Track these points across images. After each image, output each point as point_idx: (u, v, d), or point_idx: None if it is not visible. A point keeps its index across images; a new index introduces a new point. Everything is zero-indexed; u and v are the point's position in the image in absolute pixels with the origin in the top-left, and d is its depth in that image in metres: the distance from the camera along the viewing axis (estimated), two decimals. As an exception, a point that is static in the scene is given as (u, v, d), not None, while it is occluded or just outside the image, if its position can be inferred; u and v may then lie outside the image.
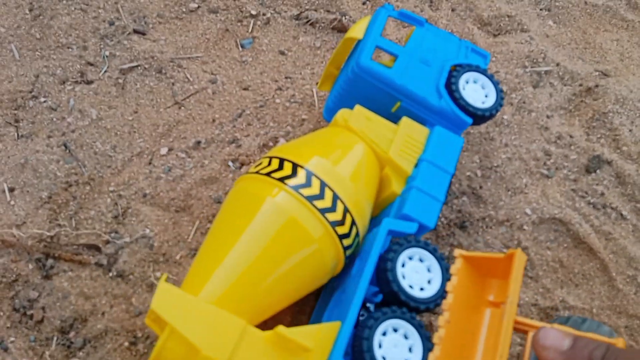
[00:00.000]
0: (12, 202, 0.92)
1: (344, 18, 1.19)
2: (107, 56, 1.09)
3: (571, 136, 1.07)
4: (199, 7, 1.18)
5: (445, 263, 0.71)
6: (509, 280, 0.67)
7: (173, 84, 1.08)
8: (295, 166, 0.74)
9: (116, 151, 0.99)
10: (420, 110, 0.85)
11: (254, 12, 1.19)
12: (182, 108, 1.05)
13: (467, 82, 0.86)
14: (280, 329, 0.63)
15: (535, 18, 1.27)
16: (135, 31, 1.12)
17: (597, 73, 1.18)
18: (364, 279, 0.67)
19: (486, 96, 0.86)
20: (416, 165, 0.80)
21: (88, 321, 0.84)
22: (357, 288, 0.67)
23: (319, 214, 0.71)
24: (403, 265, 0.69)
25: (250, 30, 1.18)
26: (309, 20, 1.20)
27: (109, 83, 1.06)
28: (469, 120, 0.83)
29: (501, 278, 0.71)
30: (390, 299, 0.68)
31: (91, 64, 1.07)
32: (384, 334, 0.65)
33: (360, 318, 0.68)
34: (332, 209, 0.72)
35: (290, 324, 0.85)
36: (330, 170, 0.75)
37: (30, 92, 1.03)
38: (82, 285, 0.86)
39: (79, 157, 0.97)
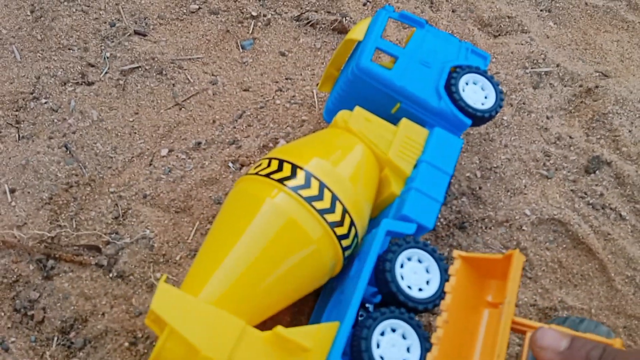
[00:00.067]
0: (13, 203, 0.92)
1: (344, 19, 1.20)
2: (108, 57, 1.09)
3: (571, 137, 1.07)
4: (199, 8, 1.18)
5: (443, 264, 0.71)
6: (507, 281, 0.68)
7: (174, 85, 1.08)
8: (294, 167, 0.75)
9: (117, 152, 0.99)
10: (420, 111, 0.85)
11: (254, 13, 1.19)
12: (183, 109, 1.05)
13: (466, 84, 0.86)
14: (279, 329, 0.63)
15: (535, 19, 1.27)
16: (136, 32, 1.13)
17: (597, 74, 1.18)
18: (362, 280, 0.68)
19: (486, 97, 0.86)
20: (415, 167, 0.80)
21: (88, 321, 0.84)
22: (355, 288, 0.67)
23: (318, 215, 0.72)
24: (402, 266, 0.70)
25: (250, 32, 1.18)
26: (310, 21, 1.21)
27: (109, 84, 1.06)
28: (469, 121, 0.83)
29: (499, 279, 0.71)
30: (389, 299, 0.68)
31: (92, 65, 1.08)
32: (382, 334, 0.65)
33: (359, 318, 0.68)
34: (331, 210, 0.73)
35: (289, 324, 0.85)
36: (329, 171, 0.75)
37: (32, 93, 1.03)
38: (82, 285, 0.86)
39: (79, 158, 0.97)
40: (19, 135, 0.99)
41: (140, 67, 1.09)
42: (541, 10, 1.29)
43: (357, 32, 0.90)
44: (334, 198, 0.73)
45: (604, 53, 1.23)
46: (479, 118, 0.84)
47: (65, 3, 1.13)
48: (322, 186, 0.73)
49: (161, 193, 0.95)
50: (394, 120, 0.85)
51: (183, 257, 0.90)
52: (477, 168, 1.02)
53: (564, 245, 0.96)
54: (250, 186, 0.76)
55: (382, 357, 0.63)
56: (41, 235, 0.89)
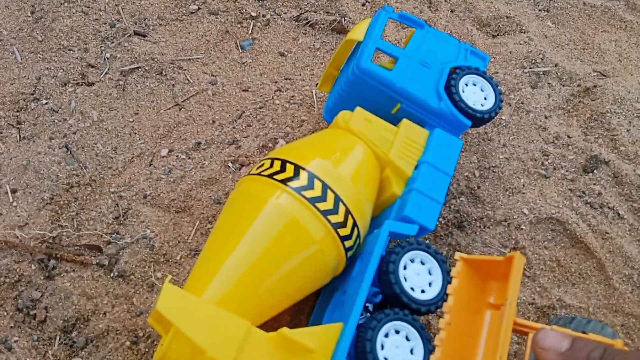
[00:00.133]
0: (15, 204, 0.93)
1: (343, 19, 1.20)
2: (108, 58, 1.10)
3: (569, 136, 1.08)
4: (199, 8, 1.19)
5: (446, 266, 0.71)
6: (508, 283, 0.68)
7: (173, 85, 1.08)
8: (297, 168, 0.75)
9: (117, 152, 1.00)
10: (420, 112, 0.85)
11: (253, 14, 1.20)
12: (183, 109, 1.06)
13: (466, 85, 0.87)
14: (285, 330, 0.64)
15: (534, 19, 1.28)
16: (136, 33, 1.13)
17: (595, 73, 1.18)
18: (366, 281, 0.68)
19: (485, 98, 0.87)
20: (416, 167, 0.80)
21: (90, 321, 0.85)
22: (359, 289, 0.68)
23: (322, 215, 0.72)
24: (405, 268, 0.70)
25: (250, 32, 1.19)
26: (309, 21, 1.21)
27: (109, 85, 1.07)
28: (468, 122, 0.84)
29: (501, 280, 0.72)
30: (392, 300, 0.69)
31: (92, 66, 1.08)
32: (387, 335, 0.65)
33: (360, 318, 0.69)
34: (335, 211, 0.73)
35: (290, 323, 0.86)
36: (332, 172, 0.75)
37: (32, 94, 1.04)
38: (84, 285, 0.87)
39: (80, 158, 0.98)
40: (20, 136, 0.99)
41: (140, 67, 1.09)
42: (539, 10, 1.30)
43: (357, 33, 0.90)
44: (337, 199, 0.73)
45: (602, 53, 1.24)
46: (478, 119, 0.85)
47: (66, 4, 1.13)
48: (325, 187, 0.73)
49: (161, 193, 0.96)
50: (394, 120, 0.85)
51: (183, 256, 0.90)
52: (476, 167, 1.03)
53: (562, 244, 0.97)
54: (252, 186, 0.76)
55: (386, 359, 0.64)
56: (43, 235, 0.90)
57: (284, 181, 0.74)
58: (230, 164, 0.99)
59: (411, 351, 0.65)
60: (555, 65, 1.18)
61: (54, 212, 0.92)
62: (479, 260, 0.72)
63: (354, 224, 0.75)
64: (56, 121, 1.01)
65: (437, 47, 0.91)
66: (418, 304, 0.68)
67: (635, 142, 1.07)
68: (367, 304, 0.73)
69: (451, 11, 1.26)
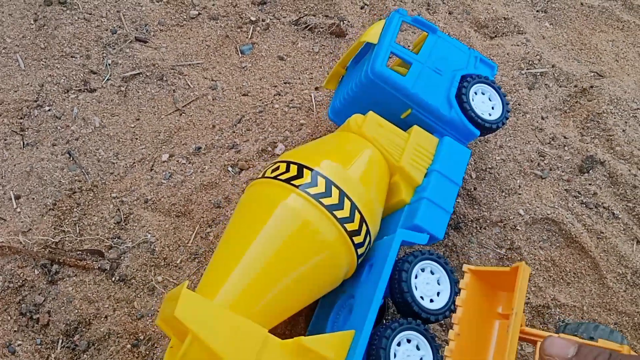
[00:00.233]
0: (18, 209, 0.94)
1: (342, 23, 1.21)
2: (109, 64, 1.11)
3: (565, 137, 1.09)
4: (199, 14, 1.20)
5: (454, 277, 0.73)
6: (514, 292, 0.69)
7: (174, 90, 1.10)
8: (314, 173, 0.74)
9: (118, 158, 1.01)
10: (431, 119, 0.86)
11: (253, 18, 1.21)
12: (183, 114, 1.08)
13: (475, 93, 0.88)
14: (302, 339, 0.64)
15: (531, 20, 1.29)
16: (137, 39, 1.15)
17: (592, 74, 1.19)
18: (379, 290, 0.69)
19: (493, 108, 0.88)
20: (426, 175, 0.81)
21: (92, 324, 0.86)
22: (372, 298, 0.69)
23: (337, 222, 0.72)
24: (416, 277, 0.71)
25: (249, 36, 1.20)
26: (308, 25, 1.22)
27: (111, 91, 1.09)
28: (477, 132, 0.85)
29: (509, 290, 0.72)
30: (402, 308, 0.70)
31: (94, 73, 1.10)
32: (399, 344, 0.67)
33: None
34: (351, 219, 0.73)
35: (287, 323, 0.87)
36: (347, 177, 0.75)
37: (35, 101, 1.06)
38: (86, 289, 0.89)
39: (82, 164, 0.99)
40: (23, 143, 1.01)
41: (141, 73, 1.11)
42: (537, 11, 1.31)
43: (372, 35, 0.90)
44: (353, 206, 0.74)
45: (599, 53, 1.24)
46: (486, 129, 0.86)
47: (68, 11, 1.15)
48: (342, 195, 0.73)
49: (162, 198, 0.97)
50: (402, 124, 0.86)
51: (183, 260, 0.92)
52: (472, 169, 1.04)
53: (558, 244, 0.98)
54: (264, 189, 0.76)
55: None
56: (45, 240, 0.92)
57: (301, 186, 0.73)
58: (230, 168, 1.01)
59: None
60: (553, 66, 1.19)
61: (57, 218, 0.94)
62: (487, 272, 0.74)
63: (367, 231, 0.76)
64: (59, 127, 1.03)
65: (448, 54, 0.91)
66: (427, 313, 0.69)
67: (630, 142, 1.08)
68: None
69: (449, 13, 1.27)
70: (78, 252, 0.91)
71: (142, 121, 1.06)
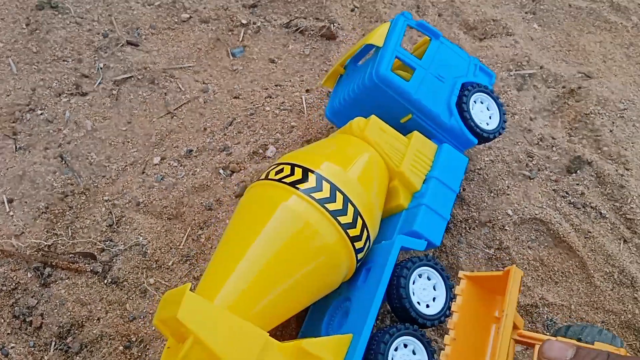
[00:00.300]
0: (11, 213, 0.95)
1: (332, 25, 1.22)
2: (101, 68, 1.12)
3: (553, 138, 1.10)
4: (190, 17, 1.21)
5: (449, 282, 0.74)
6: (505, 296, 0.70)
7: (165, 94, 1.11)
8: (319, 178, 0.75)
9: (110, 161, 1.02)
10: (431, 125, 0.87)
11: (244, 21, 1.22)
12: (175, 117, 1.08)
13: (474, 102, 0.89)
14: (303, 343, 0.65)
15: (520, 21, 1.30)
16: (129, 43, 1.16)
17: (580, 75, 1.20)
18: (378, 296, 0.70)
19: (490, 117, 0.89)
20: (425, 181, 0.82)
21: (84, 326, 0.87)
22: (371, 304, 0.69)
23: (340, 227, 0.73)
24: (413, 282, 0.72)
25: (241, 39, 1.21)
26: (298, 28, 1.23)
27: (103, 94, 1.09)
28: (475, 140, 0.86)
29: (504, 294, 0.73)
30: (400, 313, 0.71)
31: (86, 76, 1.11)
32: (396, 349, 0.68)
33: None
34: (353, 224, 0.74)
35: (280, 324, 0.88)
36: (350, 181, 0.76)
37: (28, 105, 1.06)
38: (78, 292, 0.89)
39: (74, 167, 1.00)
40: (16, 147, 1.02)
41: (132, 76, 1.12)
42: (526, 13, 1.32)
43: (377, 38, 0.90)
44: (356, 212, 0.74)
45: (586, 54, 1.25)
46: (483, 138, 0.87)
47: (60, 16, 1.16)
48: (346, 200, 0.74)
49: (154, 200, 0.98)
50: (400, 128, 0.87)
51: (175, 262, 0.93)
52: (461, 170, 1.05)
53: (546, 244, 0.99)
54: (264, 191, 0.76)
55: None
56: (38, 243, 0.92)
57: (305, 190, 0.73)
58: (221, 171, 1.02)
59: None
60: (541, 68, 1.20)
61: (49, 221, 0.95)
62: (482, 277, 0.75)
63: (368, 236, 0.76)
64: (51, 131, 1.04)
65: (450, 60, 0.92)
66: (424, 318, 0.70)
67: (618, 143, 1.09)
68: None
69: (439, 15, 1.28)
70: (70, 255, 0.92)
71: (133, 124, 1.07)
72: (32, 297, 0.88)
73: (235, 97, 1.12)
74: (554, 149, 1.09)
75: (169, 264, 0.93)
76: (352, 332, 0.69)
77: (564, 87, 1.18)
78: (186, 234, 0.96)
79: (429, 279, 0.74)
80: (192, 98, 1.11)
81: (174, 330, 0.65)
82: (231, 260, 0.70)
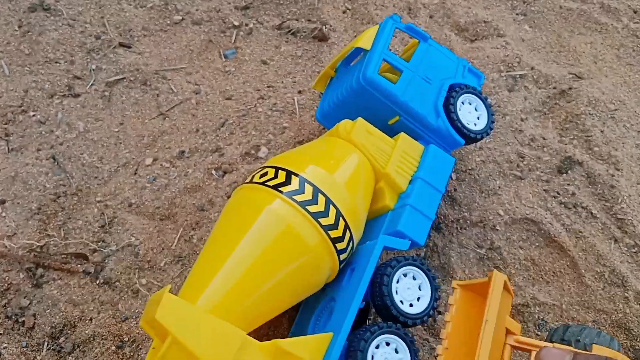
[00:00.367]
0: (4, 214, 0.95)
1: (324, 27, 1.23)
2: (93, 70, 1.12)
3: (544, 138, 1.11)
4: (183, 19, 1.22)
5: (435, 283, 0.74)
6: (486, 301, 0.70)
7: (158, 95, 1.11)
8: (302, 181, 0.75)
9: (103, 162, 1.02)
10: (418, 127, 0.88)
11: (236, 23, 1.22)
12: (167, 119, 1.09)
13: (462, 103, 0.90)
14: (279, 342, 0.65)
15: (511, 23, 1.31)
16: (121, 44, 1.16)
17: (570, 76, 1.21)
18: (358, 295, 0.70)
19: (478, 118, 0.90)
20: (410, 182, 0.83)
21: (77, 327, 0.87)
22: (351, 302, 0.70)
23: (322, 229, 0.74)
24: (397, 281, 0.73)
25: (233, 41, 1.21)
26: (291, 29, 1.24)
27: (95, 96, 1.09)
28: (462, 141, 0.87)
29: None
30: (382, 311, 0.71)
31: (78, 78, 1.11)
32: (377, 347, 0.68)
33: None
34: (335, 226, 0.75)
35: (270, 324, 0.88)
36: (333, 184, 0.76)
37: (20, 106, 1.06)
38: (70, 292, 0.90)
39: (67, 169, 1.00)
40: (8, 148, 1.02)
41: (125, 78, 1.12)
42: (517, 14, 1.33)
43: (365, 41, 0.91)
44: (338, 214, 0.75)
45: (577, 55, 1.26)
46: (470, 138, 0.88)
47: (52, 18, 1.16)
48: (328, 202, 0.75)
49: (146, 201, 0.98)
50: (388, 130, 0.87)
51: (167, 263, 0.93)
52: (453, 171, 1.05)
53: (537, 244, 0.99)
54: (249, 195, 0.77)
55: None
56: (30, 244, 0.93)
57: (288, 193, 0.74)
58: (213, 172, 1.02)
59: None
60: (532, 69, 1.21)
61: (42, 222, 0.95)
62: (473, 284, 0.75)
63: (350, 237, 0.77)
64: (43, 133, 1.04)
65: (438, 62, 0.93)
66: (405, 317, 0.70)
67: (608, 143, 1.10)
68: None
69: (430, 17, 1.29)
70: (63, 256, 0.92)
71: (126, 126, 1.07)
72: (24, 298, 0.88)
73: (227, 99, 1.13)
74: (545, 149, 1.09)
75: (161, 264, 0.93)
76: (334, 331, 0.69)
77: (554, 88, 1.18)
78: (178, 235, 0.96)
79: (414, 278, 0.74)
80: (184, 99, 1.11)
81: (157, 331, 0.66)
82: (215, 262, 0.71)
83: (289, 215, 0.73)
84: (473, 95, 0.90)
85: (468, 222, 1.00)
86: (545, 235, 1.00)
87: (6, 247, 0.92)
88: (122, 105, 1.09)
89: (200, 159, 1.04)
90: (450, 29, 1.27)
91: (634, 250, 0.99)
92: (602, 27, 1.31)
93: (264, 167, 0.80)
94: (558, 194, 1.04)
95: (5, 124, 1.05)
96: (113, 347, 0.86)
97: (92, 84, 1.11)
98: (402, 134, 0.87)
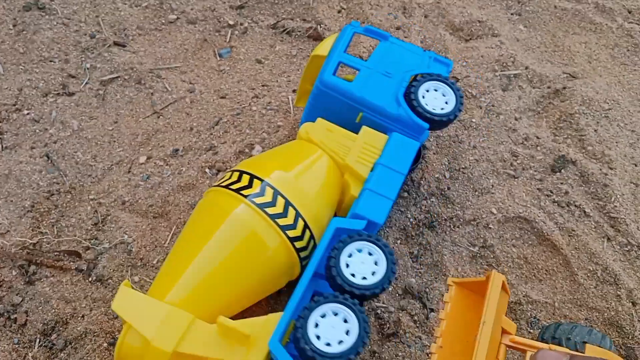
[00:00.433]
0: (-3, 212, 0.96)
1: (319, 27, 1.23)
2: (88, 68, 1.12)
3: (538, 137, 1.11)
4: (177, 18, 1.22)
5: (392, 257, 0.74)
6: (484, 302, 0.70)
7: (152, 94, 1.11)
8: (264, 184, 0.80)
9: (96, 160, 1.02)
10: (381, 119, 0.89)
11: (231, 22, 1.23)
12: (161, 117, 1.09)
13: (427, 91, 0.90)
14: (221, 318, 0.69)
15: (506, 22, 1.31)
16: (116, 43, 1.16)
17: (565, 75, 1.21)
18: (308, 271, 0.72)
19: (446, 102, 0.90)
20: (372, 169, 0.85)
21: (69, 324, 0.87)
22: (301, 278, 0.72)
23: (281, 230, 0.78)
24: (350, 256, 0.74)
25: (228, 40, 1.21)
26: (285, 29, 1.24)
27: (89, 94, 1.10)
28: (426, 125, 0.87)
29: None
30: (332, 284, 0.73)
31: (73, 76, 1.11)
32: (323, 316, 0.68)
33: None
34: (293, 226, 0.79)
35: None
36: (293, 186, 0.81)
37: (14, 105, 1.07)
38: (63, 289, 0.90)
39: (60, 167, 1.00)
40: (2, 146, 1.02)
41: (119, 77, 1.12)
42: (512, 14, 1.33)
43: (322, 49, 0.95)
44: (297, 215, 0.79)
45: (572, 55, 1.26)
46: (437, 122, 0.88)
47: (47, 17, 1.16)
48: (287, 204, 0.79)
49: (139, 199, 0.99)
50: (358, 128, 0.89)
51: (160, 260, 0.93)
52: (446, 169, 1.05)
53: (530, 242, 1.00)
54: (216, 198, 0.82)
55: (318, 336, 0.67)
56: (23, 242, 0.93)
57: (249, 196, 0.79)
58: (207, 170, 1.02)
59: (347, 332, 0.68)
60: (526, 68, 1.21)
61: (35, 220, 0.95)
62: (469, 282, 0.75)
63: (311, 236, 0.81)
64: (37, 131, 1.04)
65: (400, 57, 0.94)
66: (352, 286, 0.71)
67: (602, 142, 1.10)
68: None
69: (425, 16, 1.29)
70: (55, 253, 0.92)
71: (120, 124, 1.07)
72: (16, 295, 0.89)
73: (221, 97, 1.13)
74: (539, 148, 1.09)
75: (154, 262, 0.93)
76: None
77: (549, 87, 1.18)
78: (171, 233, 0.96)
79: (370, 254, 0.75)
80: (178, 98, 1.11)
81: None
82: (182, 262, 0.77)
83: (249, 217, 0.78)
84: (438, 82, 0.91)
85: (461, 220, 1.00)
86: (538, 234, 1.00)
87: (-1, 244, 0.92)
88: (116, 104, 1.10)
89: (194, 158, 1.04)
90: (445, 28, 1.28)
91: (626, 249, 0.99)
92: (596, 27, 1.31)
93: (231, 171, 0.85)
94: (551, 192, 1.04)
95: (0, 122, 1.05)
96: (105, 344, 0.86)
97: (86, 83, 1.11)
98: (364, 127, 0.89)
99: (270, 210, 0.78)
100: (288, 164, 0.83)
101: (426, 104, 0.88)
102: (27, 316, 0.87)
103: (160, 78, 1.13)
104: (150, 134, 1.06)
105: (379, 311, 0.91)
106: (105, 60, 1.13)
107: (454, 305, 0.73)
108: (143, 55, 1.16)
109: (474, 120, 1.12)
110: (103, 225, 0.96)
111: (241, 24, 1.23)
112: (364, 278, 0.72)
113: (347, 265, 0.72)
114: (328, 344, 0.67)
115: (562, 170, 1.06)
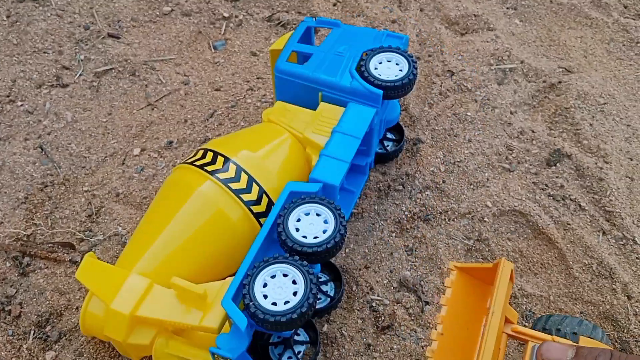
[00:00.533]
0: (-10, 203, 0.95)
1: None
2: (82, 60, 1.12)
3: (533, 131, 1.11)
4: (172, 10, 1.21)
5: (339, 212, 0.76)
6: (493, 290, 0.70)
7: (146, 85, 1.11)
8: (227, 161, 0.83)
9: (90, 152, 1.02)
10: (338, 94, 0.93)
11: (226, 15, 1.22)
12: (155, 109, 1.08)
13: (380, 63, 0.94)
14: (175, 279, 0.72)
15: (501, 17, 1.31)
16: (110, 35, 1.16)
17: (560, 69, 1.21)
18: (261, 233, 0.75)
19: (400, 70, 0.93)
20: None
21: (63, 315, 0.87)
22: (255, 240, 0.74)
23: (244, 205, 0.81)
24: (299, 220, 0.75)
25: (222, 32, 1.21)
26: (281, 21, 1.23)
27: (83, 86, 1.09)
28: (379, 91, 0.90)
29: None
30: (284, 247, 0.74)
31: (66, 68, 1.11)
32: (273, 276, 0.70)
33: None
34: (258, 202, 0.82)
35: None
36: (255, 162, 0.84)
37: (8, 96, 1.06)
38: (57, 281, 0.89)
39: (54, 158, 1.00)
40: (-5, 137, 1.02)
41: (113, 68, 1.11)
42: (507, 8, 1.33)
43: (278, 43, 0.99)
44: (261, 191, 0.83)
45: (567, 49, 1.26)
46: (392, 87, 0.91)
47: (41, 8, 1.16)
48: (250, 180, 0.83)
49: (133, 191, 0.98)
50: None
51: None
52: (441, 162, 1.05)
53: (525, 236, 0.99)
54: (182, 175, 0.84)
55: (265, 296, 0.68)
56: (17, 233, 0.92)
57: (214, 172, 0.82)
58: (201, 162, 1.02)
59: (294, 294, 0.69)
60: (522, 62, 1.21)
61: (29, 211, 0.95)
62: (473, 268, 0.74)
63: (269, 202, 0.84)
64: (31, 122, 1.04)
65: (352, 39, 1.00)
66: (300, 245, 0.72)
67: (597, 136, 1.10)
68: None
69: (420, 10, 1.29)
70: (49, 245, 0.92)
71: (114, 116, 1.07)
72: (11, 287, 0.88)
73: (216, 90, 1.12)
74: (534, 142, 1.09)
75: (149, 254, 0.93)
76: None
77: (544, 81, 1.18)
78: (166, 225, 0.95)
79: (318, 214, 0.76)
80: (172, 90, 1.11)
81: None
82: (149, 235, 0.80)
83: (214, 192, 0.81)
84: (390, 53, 0.95)
85: (456, 213, 1.00)
86: (533, 227, 1.00)
87: (-8, 236, 0.92)
88: (110, 96, 1.09)
89: (188, 150, 1.03)
90: (441, 22, 1.27)
91: (621, 243, 0.99)
92: (592, 21, 1.31)
93: (198, 149, 0.88)
94: (547, 186, 1.04)
95: (-7, 113, 1.04)
96: (99, 336, 0.86)
97: (80, 74, 1.10)
98: (321, 102, 0.94)
99: (234, 186, 0.81)
100: (252, 143, 0.87)
101: (379, 74, 0.92)
102: (21, 308, 0.87)
103: (155, 70, 1.13)
104: (144, 126, 1.06)
105: (374, 304, 0.91)
106: (99, 52, 1.13)
107: (454, 291, 0.73)
108: (137, 47, 1.15)
109: (469, 113, 1.12)
110: (97, 217, 0.95)
111: (236, 17, 1.23)
112: (315, 237, 0.74)
113: (297, 230, 0.74)
114: (274, 303, 0.68)
115: (558, 164, 1.06)
